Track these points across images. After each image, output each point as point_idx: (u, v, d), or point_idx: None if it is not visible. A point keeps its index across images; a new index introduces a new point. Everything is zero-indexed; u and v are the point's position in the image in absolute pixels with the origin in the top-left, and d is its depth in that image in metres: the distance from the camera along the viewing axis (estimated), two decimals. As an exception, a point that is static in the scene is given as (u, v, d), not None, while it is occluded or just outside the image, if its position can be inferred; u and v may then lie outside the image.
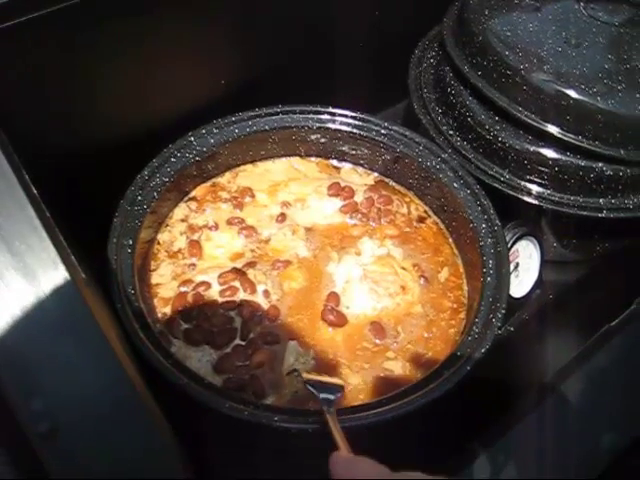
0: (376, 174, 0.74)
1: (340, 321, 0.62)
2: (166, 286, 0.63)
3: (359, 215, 0.70)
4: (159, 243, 0.66)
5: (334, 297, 0.63)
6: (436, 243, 0.69)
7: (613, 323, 0.60)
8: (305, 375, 0.56)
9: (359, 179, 0.74)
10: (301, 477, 0.54)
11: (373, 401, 0.52)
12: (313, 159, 0.75)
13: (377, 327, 0.62)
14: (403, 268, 0.66)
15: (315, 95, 0.73)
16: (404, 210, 0.72)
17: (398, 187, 0.73)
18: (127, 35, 0.62)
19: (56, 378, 0.39)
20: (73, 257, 0.46)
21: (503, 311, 0.57)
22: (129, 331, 0.53)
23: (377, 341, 0.61)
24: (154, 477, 0.38)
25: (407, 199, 0.73)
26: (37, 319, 0.40)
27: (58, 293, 0.42)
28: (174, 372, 0.51)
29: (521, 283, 0.70)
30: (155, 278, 0.63)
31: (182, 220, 0.68)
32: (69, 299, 0.42)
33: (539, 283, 0.72)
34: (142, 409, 0.40)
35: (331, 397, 0.50)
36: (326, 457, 0.42)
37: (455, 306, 0.64)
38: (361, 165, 0.74)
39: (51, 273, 0.42)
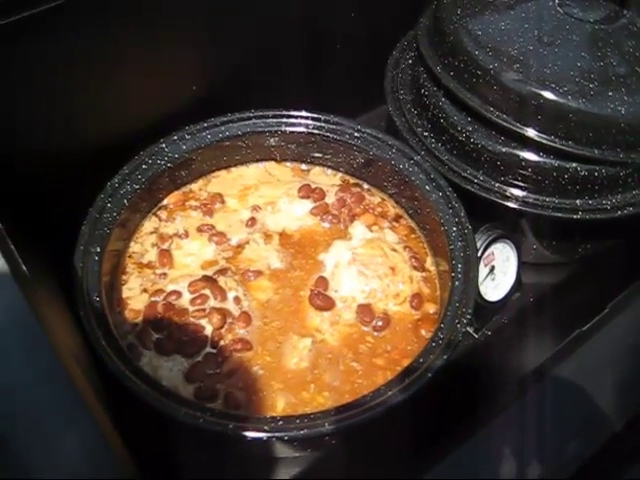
0: (347, 175, 0.74)
1: (327, 304, 0.62)
2: (136, 299, 0.63)
3: (329, 217, 0.69)
4: (130, 256, 0.66)
5: (322, 281, 0.64)
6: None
7: (584, 328, 0.59)
8: None
9: (329, 180, 0.73)
10: None
11: (331, 408, 0.51)
12: (289, 164, 0.74)
13: (365, 310, 0.62)
14: (394, 250, 0.66)
15: (291, 99, 0.72)
16: (379, 210, 0.71)
17: (373, 189, 0.73)
18: (97, 41, 0.62)
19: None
20: (24, 266, 0.46)
21: (469, 317, 0.56)
22: (91, 339, 0.53)
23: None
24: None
25: (382, 201, 0.72)
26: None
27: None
28: (134, 380, 0.51)
29: (498, 286, 0.69)
30: (125, 292, 0.63)
31: (152, 232, 0.68)
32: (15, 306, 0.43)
33: (518, 286, 0.70)
34: (86, 415, 0.40)
35: None
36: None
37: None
38: (335, 169, 0.74)
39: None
